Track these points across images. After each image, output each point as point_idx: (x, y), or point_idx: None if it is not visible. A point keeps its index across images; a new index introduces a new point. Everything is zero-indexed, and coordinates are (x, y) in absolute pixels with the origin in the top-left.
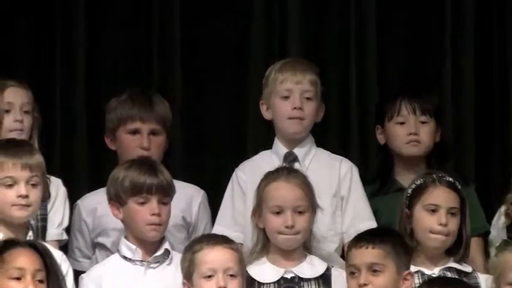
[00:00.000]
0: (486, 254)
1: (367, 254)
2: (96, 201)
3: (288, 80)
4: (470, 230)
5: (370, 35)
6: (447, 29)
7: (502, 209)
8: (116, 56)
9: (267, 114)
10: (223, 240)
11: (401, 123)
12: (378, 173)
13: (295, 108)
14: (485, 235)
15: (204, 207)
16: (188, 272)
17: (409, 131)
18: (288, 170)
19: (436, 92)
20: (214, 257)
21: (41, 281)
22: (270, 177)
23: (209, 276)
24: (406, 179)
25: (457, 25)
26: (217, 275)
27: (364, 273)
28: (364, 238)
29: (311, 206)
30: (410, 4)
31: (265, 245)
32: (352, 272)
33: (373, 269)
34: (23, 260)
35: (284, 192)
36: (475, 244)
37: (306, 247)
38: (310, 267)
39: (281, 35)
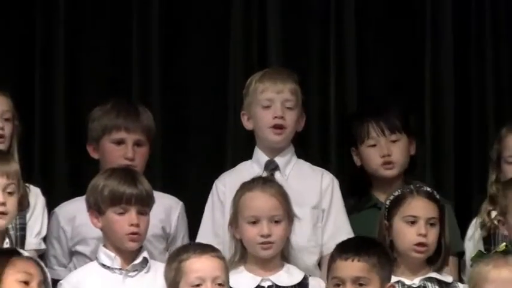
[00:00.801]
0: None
1: (353, 267)
2: (75, 210)
3: (269, 90)
4: (449, 239)
5: (350, 46)
6: (427, 37)
7: (477, 221)
8: (96, 66)
9: (248, 125)
10: (210, 249)
11: (373, 146)
12: (353, 191)
13: (276, 117)
14: (459, 255)
15: (183, 219)
16: (174, 281)
17: (382, 154)
18: (264, 179)
19: (399, 105)
20: (202, 266)
21: None
22: (245, 187)
23: (197, 285)
24: (383, 194)
25: (436, 34)
26: (206, 283)
27: (349, 286)
28: (349, 250)
29: (287, 215)
30: (390, 15)
31: (242, 255)
32: (337, 284)
33: (358, 283)
34: (32, 268)
35: (260, 202)
36: (450, 262)
37: (284, 256)
38: (287, 276)
39: (260, 46)
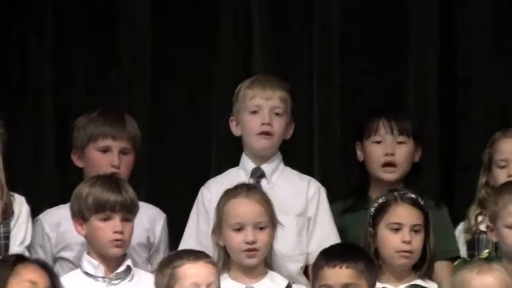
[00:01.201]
0: None
1: (342, 274)
2: (60, 216)
3: (258, 96)
4: (434, 245)
5: (333, 51)
6: (411, 44)
7: (462, 226)
8: (83, 74)
9: (236, 131)
10: (203, 256)
11: (378, 142)
12: (354, 190)
13: (263, 123)
14: (456, 259)
15: (165, 231)
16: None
17: (385, 151)
18: (248, 186)
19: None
20: (197, 272)
21: None
22: (229, 194)
23: None
24: None
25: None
26: None
27: None
28: (336, 257)
29: (271, 222)
30: (374, 21)
31: (226, 262)
32: None
33: None
34: (36, 275)
35: (244, 209)
36: (445, 267)
37: (267, 263)
38: (271, 283)
39: (245, 53)
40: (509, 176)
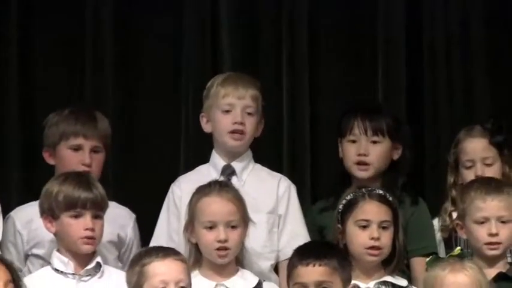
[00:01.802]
0: None
1: (315, 272)
2: (32, 214)
3: (230, 95)
4: (403, 241)
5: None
6: (379, 47)
7: (439, 223)
8: (49, 71)
9: (206, 127)
10: (172, 253)
11: (353, 142)
12: (334, 188)
13: (236, 122)
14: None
15: (136, 231)
16: (137, 285)
17: (358, 151)
18: (220, 184)
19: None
20: (165, 269)
21: None
22: (201, 192)
23: None
24: None
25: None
26: (169, 286)
27: None
28: (309, 255)
29: (243, 220)
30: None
31: (197, 259)
32: None
33: (322, 286)
34: None
35: (216, 207)
36: (422, 263)
37: (238, 261)
38: (242, 281)
39: (213, 48)
40: (476, 176)
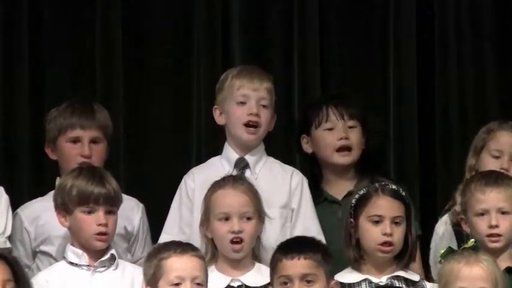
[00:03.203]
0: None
1: (300, 265)
2: (38, 210)
3: (245, 87)
4: (416, 236)
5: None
6: (390, 37)
7: (445, 217)
8: (60, 68)
9: (220, 119)
10: (190, 249)
11: (330, 129)
12: (309, 184)
13: (251, 114)
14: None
15: (144, 220)
16: (154, 279)
17: (339, 136)
18: (234, 177)
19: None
20: (182, 265)
21: None
22: (216, 185)
23: (176, 284)
24: (335, 188)
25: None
26: (185, 283)
27: (298, 284)
28: (294, 249)
29: (258, 213)
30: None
31: (214, 254)
32: (284, 282)
33: (306, 279)
34: None
35: (230, 199)
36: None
37: (254, 255)
38: (257, 276)
39: (224, 44)
40: (502, 169)
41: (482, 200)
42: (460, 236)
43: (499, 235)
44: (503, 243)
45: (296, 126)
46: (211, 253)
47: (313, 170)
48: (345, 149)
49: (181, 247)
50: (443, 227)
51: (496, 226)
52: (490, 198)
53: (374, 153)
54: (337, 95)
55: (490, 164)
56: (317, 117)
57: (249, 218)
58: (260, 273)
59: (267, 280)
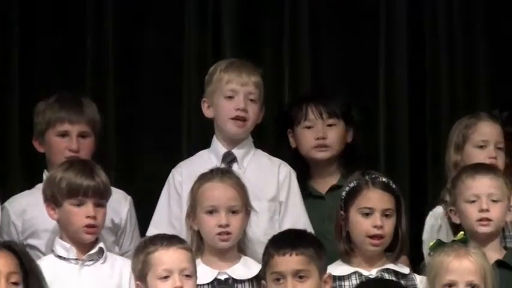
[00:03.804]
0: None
1: (292, 261)
2: (26, 203)
3: (234, 81)
4: (406, 229)
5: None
6: (381, 35)
7: (441, 210)
8: (50, 61)
9: (208, 113)
10: (177, 241)
11: (309, 127)
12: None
13: (238, 109)
14: None
15: (132, 213)
16: (142, 273)
17: (317, 135)
18: (222, 171)
19: (343, 94)
20: (169, 258)
21: (15, 283)
22: (203, 178)
23: (165, 277)
24: (319, 182)
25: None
26: (173, 275)
27: (290, 280)
28: (286, 245)
29: (245, 206)
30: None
31: (199, 247)
32: (277, 278)
33: (298, 275)
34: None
35: (218, 192)
36: None
37: (240, 248)
38: (244, 269)
39: (214, 40)
40: (490, 158)
41: (473, 186)
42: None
43: (489, 219)
44: (493, 228)
45: (281, 121)
46: (197, 246)
47: (298, 164)
48: (321, 146)
49: (168, 240)
50: (433, 219)
51: (487, 210)
52: (481, 184)
53: (359, 146)
54: (318, 93)
55: (476, 155)
56: (297, 114)
57: (236, 212)
58: (246, 266)
59: (254, 273)
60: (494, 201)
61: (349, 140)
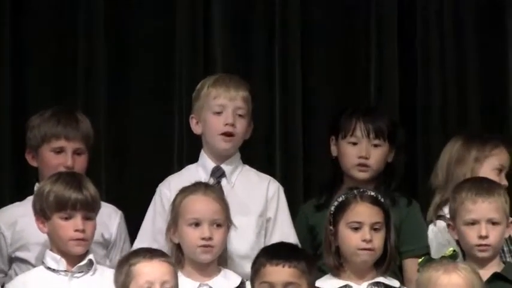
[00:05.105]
0: None
1: (284, 273)
2: (16, 215)
3: (221, 96)
4: (395, 242)
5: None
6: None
7: (442, 224)
8: (42, 72)
9: (196, 129)
10: (160, 254)
11: (354, 144)
12: (326, 187)
13: (227, 124)
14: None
15: (122, 227)
16: (124, 285)
17: (360, 154)
18: (205, 184)
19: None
20: (151, 270)
21: None
22: (186, 191)
23: None
24: None
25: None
26: (155, 287)
27: None
28: (279, 256)
29: (227, 220)
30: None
31: (179, 259)
32: None
33: None
34: None
35: (202, 205)
36: (415, 264)
37: (220, 262)
38: (225, 281)
39: (205, 50)
40: (480, 237)
41: (472, 210)
42: None
43: (488, 245)
44: (492, 253)
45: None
46: (177, 258)
47: (336, 173)
48: (363, 165)
49: (151, 253)
50: (439, 234)
51: (486, 237)
52: (481, 208)
53: (397, 168)
54: (369, 110)
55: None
56: (344, 128)
57: (219, 225)
58: (227, 278)
59: (234, 285)
60: (493, 223)
61: (390, 160)
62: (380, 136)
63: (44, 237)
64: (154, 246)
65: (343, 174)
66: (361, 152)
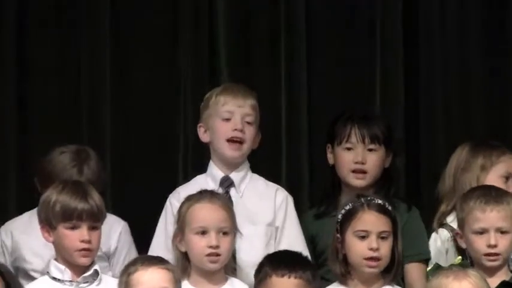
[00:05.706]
0: None
1: (290, 284)
2: (19, 225)
3: (230, 103)
4: (402, 250)
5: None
6: (377, 56)
7: (444, 232)
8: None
9: (204, 137)
10: (157, 261)
11: (349, 149)
12: (324, 195)
13: (235, 129)
14: (427, 261)
15: (125, 237)
16: None
17: (356, 159)
18: (211, 192)
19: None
20: (148, 278)
21: None
22: (192, 199)
23: None
24: None
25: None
26: None
27: None
28: (285, 266)
29: (234, 228)
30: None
31: (185, 268)
32: None
33: None
34: None
35: (208, 213)
36: (417, 269)
37: (227, 270)
38: None
39: (210, 61)
40: (489, 246)
41: (481, 219)
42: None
43: (497, 254)
44: (501, 262)
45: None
46: (183, 267)
47: (333, 181)
48: (359, 171)
49: (148, 260)
50: (439, 243)
51: (495, 246)
52: (490, 217)
53: (396, 172)
54: (363, 115)
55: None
56: (340, 134)
57: (226, 233)
58: (234, 287)
59: None
60: (502, 232)
61: (387, 165)
62: (375, 141)
63: (45, 248)
64: (169, 257)
65: (340, 182)
66: (356, 157)
